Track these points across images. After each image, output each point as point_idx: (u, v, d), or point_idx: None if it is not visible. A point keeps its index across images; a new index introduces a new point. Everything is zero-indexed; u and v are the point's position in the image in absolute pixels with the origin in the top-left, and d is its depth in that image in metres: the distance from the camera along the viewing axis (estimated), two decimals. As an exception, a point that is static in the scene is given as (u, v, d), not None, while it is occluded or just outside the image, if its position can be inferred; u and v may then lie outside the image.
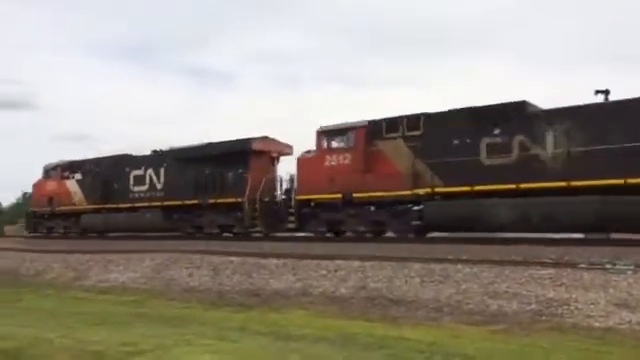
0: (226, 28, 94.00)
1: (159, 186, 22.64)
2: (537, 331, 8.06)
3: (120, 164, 24.41)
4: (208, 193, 20.68)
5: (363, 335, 7.68)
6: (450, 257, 11.98)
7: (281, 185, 19.88)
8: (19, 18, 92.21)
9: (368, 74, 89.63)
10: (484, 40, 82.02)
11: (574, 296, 9.11)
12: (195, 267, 14.09)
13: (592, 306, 8.73)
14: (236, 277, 12.95)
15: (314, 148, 18.39)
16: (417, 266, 11.44)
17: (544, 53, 76.97)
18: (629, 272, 9.71)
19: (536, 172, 14.14)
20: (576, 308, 8.76)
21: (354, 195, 16.95)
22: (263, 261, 13.51)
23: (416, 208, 16.15)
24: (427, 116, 16.28)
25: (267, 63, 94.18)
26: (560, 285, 9.58)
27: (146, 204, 22.72)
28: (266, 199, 19.68)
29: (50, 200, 26.69)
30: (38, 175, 28.08)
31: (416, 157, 16.04)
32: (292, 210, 18.43)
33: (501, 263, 11.05)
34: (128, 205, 23.34)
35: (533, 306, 9.08)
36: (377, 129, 17.00)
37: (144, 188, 23.09)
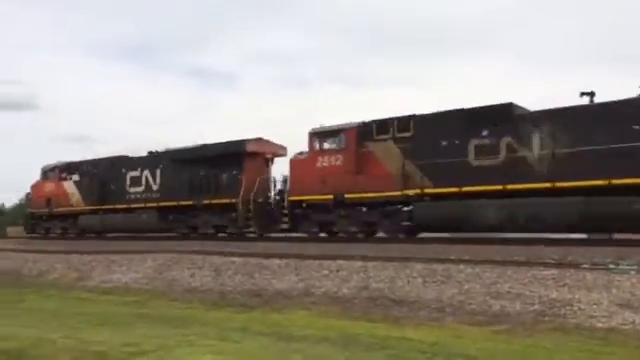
0: (226, 28, 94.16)
1: (155, 187, 22.85)
2: (540, 331, 8.04)
3: (117, 165, 24.61)
4: (203, 194, 20.89)
5: (365, 335, 7.68)
6: (452, 257, 11.97)
7: (275, 186, 20.10)
8: (19, 18, 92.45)
9: (368, 74, 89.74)
10: (484, 40, 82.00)
11: (577, 296, 9.09)
12: (197, 267, 14.10)
13: (595, 306, 8.70)
14: (238, 277, 12.96)
15: (307, 149, 18.56)
16: (419, 266, 11.43)
17: (544, 53, 76.93)
18: (632, 272, 9.69)
19: (522, 173, 14.31)
20: (579, 308, 8.75)
21: (345, 196, 17.15)
22: (265, 261, 13.51)
23: (406, 209, 16.33)
24: (417, 118, 16.44)
25: (268, 63, 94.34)
26: (563, 285, 9.56)
27: (142, 205, 22.93)
28: (260, 200, 19.85)
29: (48, 201, 26.86)
30: (39, 176, 28.21)
31: (406, 158, 16.20)
32: (285, 211, 18.63)
33: (503, 263, 11.03)
34: (125, 206, 23.55)
35: (536, 306, 9.06)
36: (368, 131, 17.17)
37: (140, 189, 23.30)
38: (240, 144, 20.49)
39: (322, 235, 18.22)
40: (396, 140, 16.51)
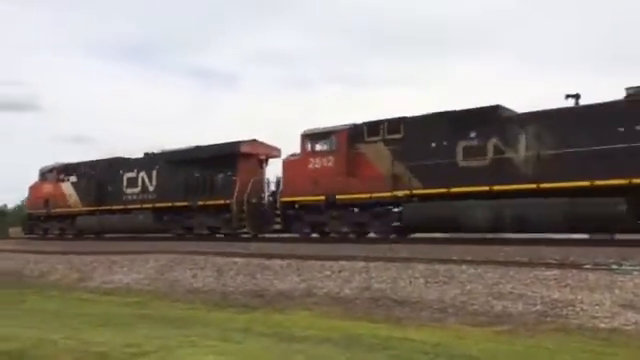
0: (227, 28, 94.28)
1: (151, 188, 23.08)
2: (542, 332, 8.02)
3: (114, 167, 24.85)
4: (198, 195, 21.10)
5: (367, 336, 7.66)
6: (454, 258, 11.96)
7: (268, 187, 20.33)
8: (20, 18, 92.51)
9: (369, 74, 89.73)
10: (484, 40, 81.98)
11: (579, 297, 9.07)
12: (199, 268, 14.10)
13: (597, 307, 8.68)
14: (240, 278, 12.95)
15: (299, 151, 18.77)
16: (421, 267, 11.42)
17: (544, 53, 76.84)
18: (635, 273, 9.67)
19: (509, 174, 14.51)
20: (581, 309, 8.72)
21: (337, 197, 17.34)
22: (267, 262, 13.51)
23: (396, 210, 16.50)
24: (407, 120, 16.69)
25: (269, 63, 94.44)
26: (565, 286, 9.54)
27: (138, 206, 23.17)
28: (253, 201, 20.07)
29: (46, 202, 27.07)
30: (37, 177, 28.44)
31: (396, 160, 16.41)
32: (278, 212, 18.86)
33: (506, 264, 11.02)
34: (121, 207, 23.79)
35: (538, 307, 9.04)
36: (359, 132, 17.39)
37: (136, 190, 23.53)
38: (234, 146, 20.73)
39: (314, 236, 18.42)
40: (386, 142, 16.75)
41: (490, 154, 14.92)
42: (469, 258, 11.82)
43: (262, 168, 21.15)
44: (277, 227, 19.10)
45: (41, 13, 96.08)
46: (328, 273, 12.08)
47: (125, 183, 23.93)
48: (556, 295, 9.28)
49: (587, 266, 10.37)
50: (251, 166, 20.72)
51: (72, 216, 26.05)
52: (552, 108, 14.57)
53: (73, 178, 26.31)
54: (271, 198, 19.64)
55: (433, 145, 15.74)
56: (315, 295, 11.21)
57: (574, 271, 10.08)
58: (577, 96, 14.61)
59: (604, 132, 13.35)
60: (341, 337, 7.55)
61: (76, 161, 27.01)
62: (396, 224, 16.48)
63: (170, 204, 21.92)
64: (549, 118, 14.37)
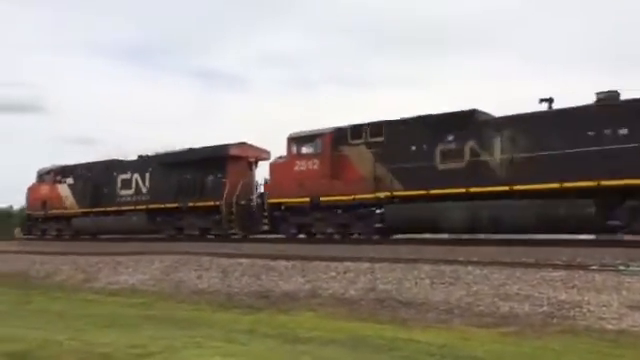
0: (228, 29, 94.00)
1: (144, 190, 23.48)
2: (549, 334, 7.98)
3: (109, 169, 25.24)
4: (189, 197, 21.49)
5: (373, 337, 7.64)
6: (460, 259, 11.92)
7: (257, 189, 20.73)
8: (21, 18, 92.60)
9: (371, 75, 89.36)
10: (488, 39, 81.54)
11: (586, 298, 9.01)
12: (204, 269, 14.10)
13: (605, 308, 8.62)
14: (245, 279, 12.94)
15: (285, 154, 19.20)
16: (427, 268, 11.37)
17: (547, 53, 76.51)
18: (642, 274, 9.60)
19: (484, 177, 14.85)
20: (588, 310, 8.66)
21: (321, 199, 17.69)
22: (272, 263, 13.49)
23: (379, 211, 16.79)
24: (388, 123, 17.00)
25: (272, 65, 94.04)
26: (572, 287, 9.48)
27: (132, 207, 23.58)
28: (242, 202, 20.45)
29: (44, 204, 27.47)
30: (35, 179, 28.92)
31: (378, 162, 16.75)
32: (266, 213, 19.33)
33: (512, 265, 10.97)
34: (115, 208, 24.19)
35: (545, 308, 8.98)
36: (342, 135, 17.74)
37: (130, 192, 23.93)
38: (223, 148, 21.22)
39: (301, 236, 18.79)
40: (369, 145, 17.11)
41: (467, 157, 15.30)
42: (475, 259, 11.77)
43: (251, 170, 21.61)
44: (265, 228, 19.60)
45: (41, 13, 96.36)
46: (333, 274, 12.06)
47: (119, 185, 24.37)
48: (563, 296, 9.22)
49: (594, 267, 10.31)
50: (240, 168, 21.17)
51: (68, 217, 26.54)
52: (526, 112, 14.96)
53: (70, 180, 26.76)
54: (259, 200, 20.07)
55: (413, 148, 16.16)
56: (320, 296, 11.19)
57: (581, 272, 10.02)
58: (551, 100, 14.99)
59: (575, 136, 13.71)
60: (346, 338, 7.53)
61: (73, 163, 27.51)
62: (379, 225, 16.82)
63: (162, 205, 22.36)
64: (523, 122, 14.75)
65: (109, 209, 24.36)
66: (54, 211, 26.96)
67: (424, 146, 15.95)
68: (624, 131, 13.19)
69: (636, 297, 8.82)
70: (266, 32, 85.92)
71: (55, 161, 28.92)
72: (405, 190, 16.18)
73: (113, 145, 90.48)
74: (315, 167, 18.04)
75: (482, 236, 16.19)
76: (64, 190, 26.73)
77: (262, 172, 21.34)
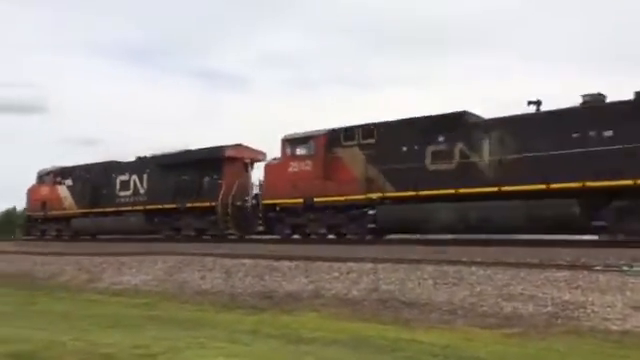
0: (228, 30, 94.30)
1: (142, 191, 23.83)
2: (553, 334, 7.95)
3: (108, 170, 25.58)
4: (186, 198, 21.78)
5: (375, 338, 7.63)
6: (464, 259, 11.89)
7: (252, 190, 20.99)
8: (23, 18, 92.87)
9: (372, 75, 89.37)
10: (488, 39, 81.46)
11: (590, 299, 8.98)
12: (207, 270, 14.11)
13: (609, 309, 8.59)
14: (248, 279, 12.94)
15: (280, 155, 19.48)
16: (430, 268, 11.35)
17: (547, 53, 76.33)
18: (646, 274, 9.56)
19: (473, 178, 15.13)
20: (592, 311, 8.63)
21: (315, 200, 17.91)
22: (275, 263, 13.49)
23: (371, 212, 16.98)
24: (380, 125, 17.31)
25: (272, 65, 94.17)
26: (576, 288, 9.45)
27: (130, 208, 23.91)
28: (238, 203, 20.73)
29: (43, 204, 27.81)
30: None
31: (370, 164, 17.04)
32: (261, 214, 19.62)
33: (516, 265, 10.93)
34: (114, 209, 24.50)
35: (549, 309, 8.96)
36: (336, 137, 18.04)
37: (129, 193, 24.29)
38: (219, 150, 21.58)
39: (295, 237, 18.97)
40: (361, 146, 17.41)
41: (456, 158, 15.56)
42: (479, 259, 11.75)
43: (247, 172, 21.90)
44: (260, 229, 19.92)
45: (41, 13, 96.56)
46: (336, 274, 12.05)
47: (118, 186, 24.69)
48: (567, 297, 9.19)
49: (598, 268, 10.27)
50: (236, 170, 21.48)
51: (68, 218, 26.80)
52: (514, 114, 15.29)
53: (69, 181, 27.10)
54: (254, 201, 20.31)
55: (404, 149, 16.42)
56: (323, 296, 11.18)
57: (585, 272, 9.99)
58: (538, 103, 15.23)
59: (561, 137, 13.98)
60: (349, 339, 7.53)
61: (72, 165, 27.89)
62: (371, 226, 16.98)
63: (160, 206, 22.59)
64: (511, 124, 15.03)
65: (108, 210, 24.70)
66: (54, 212, 27.31)
67: (415, 148, 16.25)
68: (609, 133, 13.45)
69: (640, 298, 8.79)
70: (266, 32, 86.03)
71: (58, 162, 29.27)
72: (396, 191, 16.48)
73: (115, 146, 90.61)
74: (309, 168, 18.29)
75: (484, 237, 16.19)
76: (63, 191, 27.10)
77: (258, 173, 21.74)
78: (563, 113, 14.38)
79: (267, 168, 19.95)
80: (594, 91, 14.45)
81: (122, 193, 24.47)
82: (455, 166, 15.49)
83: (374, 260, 12.41)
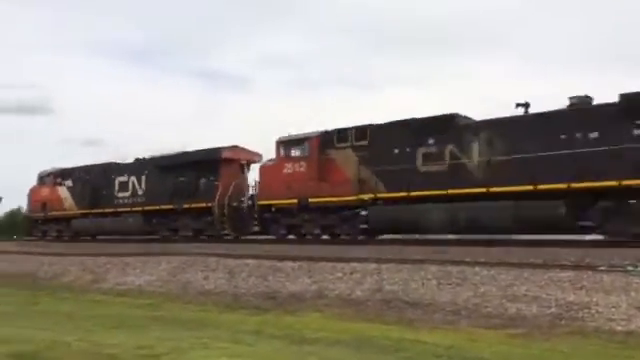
0: (229, 31, 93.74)
1: (140, 192, 24.11)
2: (557, 335, 7.93)
3: (107, 171, 25.86)
4: (183, 199, 22.02)
5: (379, 338, 7.63)
6: (468, 259, 11.86)
7: (248, 191, 21.21)
8: (23, 18, 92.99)
9: (373, 75, 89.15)
10: (488, 39, 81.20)
11: (595, 299, 8.95)
12: (211, 270, 14.12)
13: (613, 309, 8.56)
14: (252, 280, 12.95)
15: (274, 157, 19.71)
16: (434, 268, 11.33)
17: (548, 53, 76.07)
18: (651, 275, 9.53)
19: (463, 179, 15.35)
20: (597, 311, 8.61)
21: (309, 200, 18.14)
22: (279, 264, 13.49)
23: (363, 213, 17.19)
24: (372, 127, 17.50)
25: (273, 66, 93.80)
26: (580, 288, 9.42)
27: (129, 209, 24.17)
28: (234, 204, 20.97)
29: (44, 205, 28.10)
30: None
31: (362, 165, 17.25)
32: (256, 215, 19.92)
33: (520, 266, 10.91)
34: (113, 210, 24.75)
35: (553, 309, 8.93)
36: (329, 139, 18.25)
37: (127, 194, 24.57)
38: (216, 151, 21.85)
39: (291, 237, 19.20)
40: (354, 148, 17.65)
41: (447, 160, 15.75)
42: (482, 260, 11.72)
43: (243, 173, 22.11)
44: (256, 229, 20.20)
45: (41, 13, 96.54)
46: (339, 275, 12.04)
47: (117, 187, 24.95)
48: (571, 297, 9.16)
49: (602, 268, 10.23)
50: (232, 171, 21.70)
51: (68, 219, 27.05)
52: (503, 116, 15.47)
53: (69, 182, 27.35)
54: (250, 201, 20.51)
55: (396, 151, 16.62)
56: (326, 297, 11.18)
57: (589, 273, 9.95)
58: (527, 105, 15.40)
59: (548, 139, 14.14)
60: (353, 339, 7.52)
61: (71, 166, 28.13)
62: (363, 226, 17.16)
63: (158, 207, 22.84)
64: (500, 126, 15.21)
65: (107, 211, 24.96)
66: (54, 213, 27.60)
67: (406, 149, 16.46)
68: (595, 135, 13.61)
69: (645, 298, 8.75)
70: (267, 32, 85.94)
71: (60, 163, 29.51)
72: (388, 192, 16.68)
73: (115, 146, 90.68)
74: (303, 170, 18.54)
75: (487, 237, 16.21)
76: (64, 192, 27.39)
77: (254, 174, 21.95)
78: (550, 115, 14.57)
79: (262, 169, 20.20)
80: (582, 93, 14.61)
81: (121, 194, 24.74)
82: (445, 167, 15.71)
83: (378, 260, 12.40)
